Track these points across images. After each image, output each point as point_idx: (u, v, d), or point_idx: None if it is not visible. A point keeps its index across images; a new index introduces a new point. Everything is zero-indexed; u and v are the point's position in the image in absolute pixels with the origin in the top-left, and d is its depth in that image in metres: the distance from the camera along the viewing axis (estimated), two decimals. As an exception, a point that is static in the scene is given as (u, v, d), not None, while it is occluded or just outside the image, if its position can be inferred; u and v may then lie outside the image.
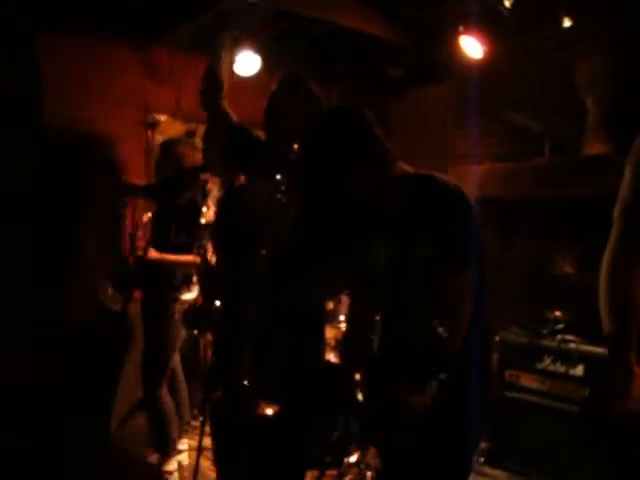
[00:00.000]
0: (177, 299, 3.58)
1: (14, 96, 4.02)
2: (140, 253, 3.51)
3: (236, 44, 4.04)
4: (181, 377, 3.92)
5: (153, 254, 3.48)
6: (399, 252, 1.90)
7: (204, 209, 3.63)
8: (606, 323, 1.79)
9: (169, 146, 3.72)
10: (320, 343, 2.62)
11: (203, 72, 2.65)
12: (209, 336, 4.15)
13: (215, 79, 2.60)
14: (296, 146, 2.28)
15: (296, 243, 2.30)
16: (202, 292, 3.41)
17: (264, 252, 2.21)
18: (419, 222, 1.86)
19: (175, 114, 5.30)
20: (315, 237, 2.23)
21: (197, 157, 3.73)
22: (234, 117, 2.73)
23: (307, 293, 2.37)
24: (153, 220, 3.74)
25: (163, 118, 5.23)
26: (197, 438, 4.22)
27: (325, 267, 2.33)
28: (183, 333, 3.68)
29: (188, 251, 3.61)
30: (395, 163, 2.02)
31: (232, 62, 3.96)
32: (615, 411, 1.76)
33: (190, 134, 5.37)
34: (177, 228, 3.60)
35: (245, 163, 2.62)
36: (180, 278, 3.61)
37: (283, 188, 2.15)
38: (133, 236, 3.66)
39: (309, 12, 4.46)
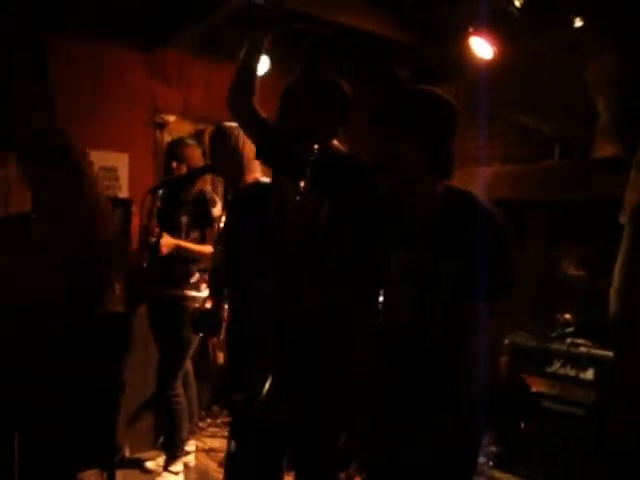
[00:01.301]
0: (194, 298, 3.56)
1: (23, 98, 4.01)
2: (153, 240, 3.46)
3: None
4: (192, 378, 3.92)
5: (167, 240, 3.46)
6: (426, 261, 1.88)
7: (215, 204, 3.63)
8: (613, 306, 1.74)
9: (180, 148, 3.71)
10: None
11: (238, 70, 2.47)
12: (217, 338, 4.15)
13: (252, 79, 2.44)
14: (316, 146, 2.18)
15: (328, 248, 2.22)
16: (211, 294, 3.38)
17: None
18: (453, 238, 1.84)
19: (184, 115, 5.31)
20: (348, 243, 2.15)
21: (198, 157, 3.74)
22: (263, 114, 2.56)
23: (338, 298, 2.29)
24: (159, 219, 3.71)
25: (172, 119, 5.24)
26: (204, 440, 4.24)
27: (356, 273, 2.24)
28: None
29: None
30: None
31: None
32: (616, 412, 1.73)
33: (199, 134, 5.38)
34: (189, 224, 3.59)
35: (276, 161, 2.49)
36: (197, 275, 3.60)
37: (303, 188, 2.08)
38: (146, 229, 3.64)
39: (315, 12, 4.45)
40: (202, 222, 3.59)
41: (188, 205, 3.62)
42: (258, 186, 2.99)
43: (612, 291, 1.75)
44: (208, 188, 3.95)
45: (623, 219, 1.76)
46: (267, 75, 4.89)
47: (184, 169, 3.65)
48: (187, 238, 3.58)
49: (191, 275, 3.59)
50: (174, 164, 3.64)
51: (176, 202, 3.64)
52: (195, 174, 3.52)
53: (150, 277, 3.53)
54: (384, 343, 2.02)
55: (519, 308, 3.64)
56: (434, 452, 1.84)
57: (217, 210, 3.60)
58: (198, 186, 3.68)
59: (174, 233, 3.55)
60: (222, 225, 3.31)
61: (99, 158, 4.89)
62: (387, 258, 1.94)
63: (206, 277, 3.62)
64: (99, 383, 3.46)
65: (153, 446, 3.94)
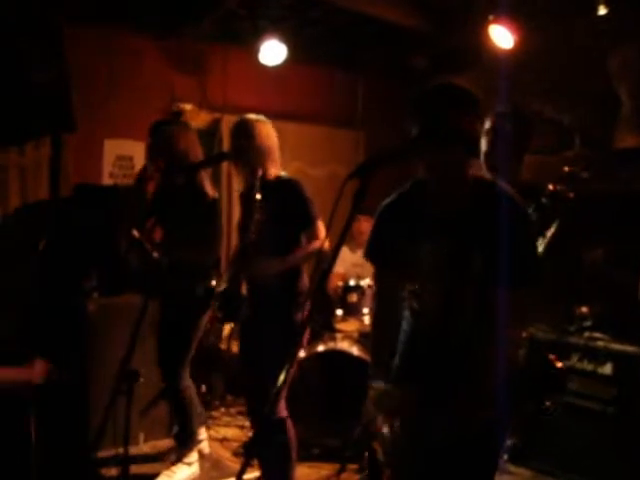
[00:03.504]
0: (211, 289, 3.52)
1: (41, 87, 4.02)
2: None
3: None
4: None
5: None
6: (454, 253, 1.88)
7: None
8: None
9: (160, 128, 3.62)
10: None
11: None
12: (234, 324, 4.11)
13: None
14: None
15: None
16: (232, 278, 3.32)
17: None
18: (479, 229, 1.85)
19: (201, 103, 5.29)
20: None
21: (191, 138, 3.53)
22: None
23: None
24: (157, 212, 3.61)
25: (188, 107, 5.22)
26: (217, 429, 4.25)
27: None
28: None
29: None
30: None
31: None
32: None
33: (215, 123, 5.36)
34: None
35: None
36: (212, 270, 3.56)
37: None
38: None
39: (335, 1, 4.41)
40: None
41: (182, 195, 3.53)
42: (281, 181, 3.04)
43: None
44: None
45: None
46: (283, 64, 4.90)
47: (162, 147, 3.49)
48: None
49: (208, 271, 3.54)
50: (151, 142, 3.51)
51: (172, 193, 3.53)
52: (211, 161, 3.47)
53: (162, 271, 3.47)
54: (413, 331, 2.02)
55: (537, 300, 3.60)
56: (456, 442, 1.84)
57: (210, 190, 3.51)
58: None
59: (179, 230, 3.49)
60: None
61: (115, 146, 4.91)
62: (417, 248, 1.93)
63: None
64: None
65: (167, 435, 3.95)
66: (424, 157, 1.88)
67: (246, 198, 3.10)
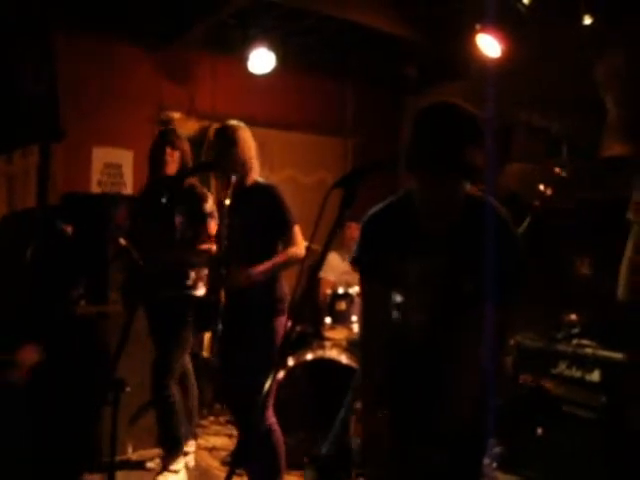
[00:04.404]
0: (191, 297, 3.53)
1: (30, 95, 4.02)
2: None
3: None
4: (192, 379, 3.88)
5: None
6: (442, 268, 1.87)
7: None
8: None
9: (176, 137, 3.64)
10: None
11: None
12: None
13: None
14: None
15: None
16: (210, 286, 3.31)
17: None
18: (469, 248, 1.85)
19: (189, 112, 5.30)
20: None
21: (186, 147, 3.65)
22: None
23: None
24: (150, 220, 3.58)
25: (177, 116, 5.23)
26: (206, 437, 4.22)
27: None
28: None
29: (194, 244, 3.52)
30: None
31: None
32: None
33: (203, 132, 5.36)
34: (183, 224, 3.52)
35: None
36: (194, 275, 3.56)
37: None
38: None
39: (326, 9, 4.43)
40: (196, 220, 3.52)
41: (180, 203, 3.54)
42: (259, 187, 3.04)
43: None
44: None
45: (630, 215, 1.75)
46: (272, 72, 4.91)
47: (178, 157, 3.58)
48: (182, 238, 3.52)
49: (187, 277, 3.54)
50: (168, 149, 3.56)
51: (168, 201, 3.54)
52: (197, 170, 3.48)
53: (147, 279, 3.46)
54: (398, 344, 2.02)
55: (525, 308, 3.61)
56: (440, 452, 1.84)
57: (209, 205, 3.52)
58: (188, 181, 3.57)
59: (168, 234, 3.51)
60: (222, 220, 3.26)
61: (104, 154, 4.89)
62: (406, 265, 1.92)
63: (203, 276, 3.58)
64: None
65: (155, 444, 3.92)
66: (417, 174, 1.85)
67: (221, 205, 3.09)
